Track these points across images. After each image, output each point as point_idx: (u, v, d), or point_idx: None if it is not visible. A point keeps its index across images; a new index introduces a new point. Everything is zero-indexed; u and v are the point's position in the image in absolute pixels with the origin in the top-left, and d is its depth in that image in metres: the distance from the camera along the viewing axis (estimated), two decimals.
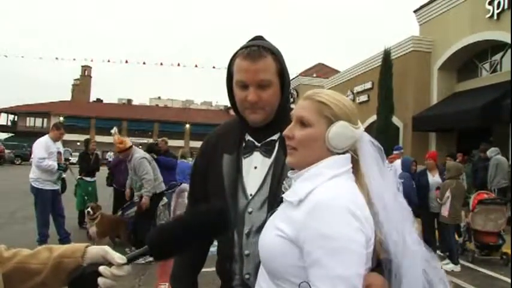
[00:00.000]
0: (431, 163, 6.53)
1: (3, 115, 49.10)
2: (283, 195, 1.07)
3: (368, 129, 1.11)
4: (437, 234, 6.11)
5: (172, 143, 12.16)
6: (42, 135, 5.88)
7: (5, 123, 49.15)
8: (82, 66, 70.29)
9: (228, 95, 1.34)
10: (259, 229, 1.15)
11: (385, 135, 12.34)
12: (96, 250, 0.94)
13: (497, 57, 12.29)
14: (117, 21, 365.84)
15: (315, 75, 25.94)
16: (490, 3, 11.23)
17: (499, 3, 10.92)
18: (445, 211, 5.64)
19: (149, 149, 6.70)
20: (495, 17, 11.08)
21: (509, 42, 10.32)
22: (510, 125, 9.58)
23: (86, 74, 71.29)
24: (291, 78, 1.43)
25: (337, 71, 24.61)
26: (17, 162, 29.97)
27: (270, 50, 1.25)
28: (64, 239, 5.55)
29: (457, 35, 12.53)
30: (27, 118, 48.98)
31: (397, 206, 1.05)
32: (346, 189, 0.98)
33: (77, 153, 13.38)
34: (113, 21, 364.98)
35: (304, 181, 1.02)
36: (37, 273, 0.91)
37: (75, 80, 72.53)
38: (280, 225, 1.00)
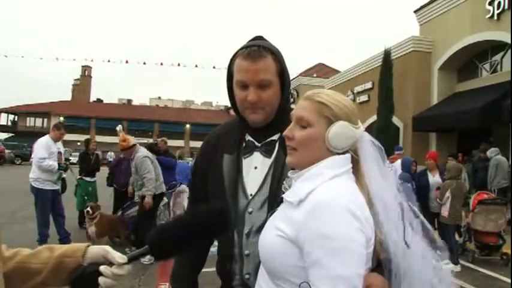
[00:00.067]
0: (432, 163, 6.53)
1: (4, 115, 49.12)
2: (283, 195, 1.07)
3: (368, 130, 1.11)
4: (438, 235, 6.11)
5: (172, 143, 12.17)
6: (43, 135, 5.88)
7: (5, 123, 49.16)
8: (82, 66, 70.35)
9: (228, 95, 1.34)
10: (259, 229, 1.15)
11: (385, 135, 12.34)
12: (96, 250, 0.94)
13: (498, 57, 12.29)
14: (117, 21, 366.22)
15: (315, 75, 25.94)
16: (490, 4, 11.23)
17: (499, 3, 10.92)
18: (445, 211, 5.64)
19: (149, 149, 6.69)
20: (495, 17, 11.08)
21: (510, 42, 10.31)
22: (510, 125, 9.58)
23: (86, 74, 71.31)
24: (291, 78, 1.42)
25: (337, 71, 24.61)
26: (17, 162, 29.96)
27: (270, 50, 1.25)
28: (64, 239, 5.55)
29: (457, 35, 12.53)
30: (28, 118, 48.99)
31: (397, 206, 1.05)
32: (346, 190, 0.98)
33: (77, 153, 13.41)
34: (113, 21, 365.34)
35: (304, 181, 1.02)
36: (38, 272, 0.91)
37: (75, 80, 72.55)
38: (280, 226, 1.00)
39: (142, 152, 5.58)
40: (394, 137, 13.63)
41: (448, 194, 5.62)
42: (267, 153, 1.29)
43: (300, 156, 1.05)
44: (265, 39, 1.32)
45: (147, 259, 4.80)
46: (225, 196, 1.28)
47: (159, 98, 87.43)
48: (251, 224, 1.24)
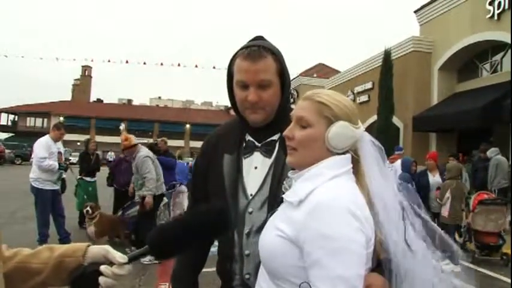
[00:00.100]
0: (432, 164, 6.54)
1: (4, 115, 49.14)
2: (283, 196, 1.07)
3: (368, 130, 1.11)
4: None
5: (172, 143, 12.18)
6: (43, 135, 5.88)
7: (5, 123, 49.19)
8: (82, 66, 70.36)
9: (229, 95, 1.34)
10: (260, 229, 1.15)
11: (385, 135, 12.35)
12: (97, 249, 0.94)
13: (498, 57, 12.30)
14: (117, 21, 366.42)
15: (315, 75, 25.94)
16: (490, 4, 11.24)
17: (499, 3, 10.93)
18: (445, 211, 5.65)
19: (149, 149, 6.70)
20: (495, 17, 11.09)
21: (510, 42, 10.32)
22: (510, 125, 9.58)
23: (86, 74, 71.32)
24: (291, 78, 1.42)
25: (337, 71, 24.62)
26: (17, 162, 29.97)
27: (270, 50, 1.25)
28: (64, 239, 5.55)
29: (457, 36, 12.53)
30: (28, 118, 49.00)
31: (398, 206, 1.05)
32: (346, 190, 0.98)
33: (77, 153, 13.42)
34: (113, 21, 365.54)
35: (304, 181, 1.02)
36: (38, 272, 0.91)
37: (75, 80, 72.56)
38: (281, 226, 1.00)
39: (144, 151, 5.58)
40: (394, 137, 13.63)
41: (448, 194, 5.63)
42: (267, 153, 1.29)
43: (300, 156, 1.05)
44: (265, 39, 1.32)
45: (147, 259, 4.80)
46: (225, 196, 1.28)
47: (159, 98, 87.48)
48: (251, 224, 1.24)
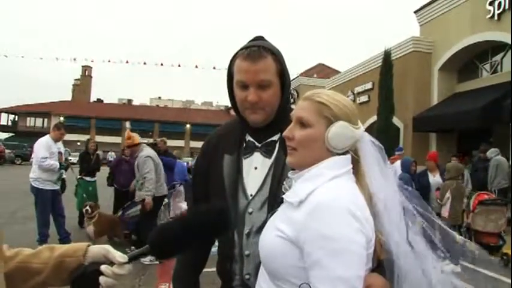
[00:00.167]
0: (432, 164, 6.52)
1: (4, 115, 49.15)
2: (283, 196, 1.07)
3: (368, 130, 1.11)
4: None
5: (172, 143, 12.18)
6: (43, 135, 5.89)
7: (5, 123, 49.20)
8: (82, 66, 70.45)
9: (229, 95, 1.34)
10: (260, 229, 1.15)
11: (385, 135, 12.34)
12: (97, 249, 0.94)
13: (498, 57, 12.29)
14: (117, 21, 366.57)
15: (315, 75, 25.95)
16: (490, 4, 11.24)
17: (499, 3, 10.92)
18: (445, 212, 5.64)
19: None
20: (496, 18, 11.08)
21: (510, 42, 10.31)
22: (510, 125, 9.57)
23: (86, 74, 71.37)
24: (291, 78, 1.41)
25: (337, 72, 24.63)
26: (17, 162, 29.98)
27: (270, 51, 1.25)
28: (64, 238, 5.55)
29: (457, 36, 12.53)
30: (28, 118, 49.01)
31: (398, 206, 1.05)
32: (346, 190, 0.98)
33: (77, 153, 13.40)
34: (113, 21, 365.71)
35: (304, 182, 1.02)
36: (39, 272, 0.91)
37: (75, 80, 72.61)
38: (281, 226, 1.00)
39: (146, 151, 5.55)
40: (395, 137, 13.63)
41: (448, 194, 5.62)
42: (267, 153, 1.29)
43: (300, 157, 1.05)
44: (265, 40, 1.32)
45: (147, 259, 4.80)
46: (225, 196, 1.28)
47: (159, 98, 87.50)
48: (251, 225, 1.24)
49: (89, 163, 7.54)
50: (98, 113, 48.66)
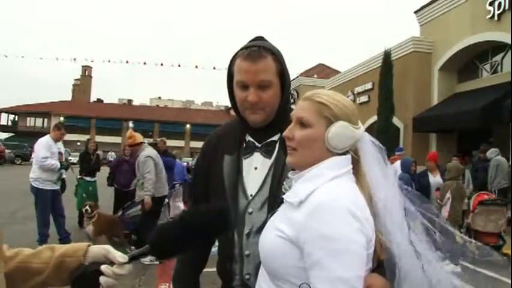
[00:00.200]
0: (432, 165, 6.52)
1: (4, 115, 49.16)
2: (283, 196, 1.07)
3: (368, 130, 1.11)
4: None
5: (172, 143, 12.19)
6: (43, 135, 5.89)
7: (5, 123, 49.21)
8: (82, 66, 70.47)
9: (229, 95, 1.34)
10: (260, 229, 1.15)
11: (385, 135, 12.34)
12: (97, 249, 0.94)
13: (498, 58, 12.29)
14: (117, 21, 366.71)
15: (315, 75, 25.94)
16: (490, 4, 11.23)
17: (499, 4, 10.92)
18: (445, 212, 5.64)
19: None
20: (496, 18, 11.08)
21: (510, 43, 10.31)
22: (510, 125, 9.57)
23: (86, 74, 71.39)
24: (291, 78, 1.42)
25: (337, 72, 24.62)
26: (17, 162, 29.99)
27: (271, 51, 1.25)
28: (64, 238, 5.55)
29: (457, 36, 12.53)
30: (28, 118, 49.03)
31: (399, 206, 1.05)
32: (347, 190, 0.98)
33: (77, 154, 13.42)
34: (113, 21, 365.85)
35: (304, 182, 1.02)
36: (39, 272, 0.91)
37: (75, 80, 72.63)
38: (281, 226, 1.00)
39: (147, 151, 5.54)
40: (395, 137, 13.63)
41: (448, 195, 5.62)
42: (267, 153, 1.29)
43: (300, 157, 1.05)
44: (265, 40, 1.33)
45: (147, 259, 4.80)
46: (225, 196, 1.28)
47: (159, 98, 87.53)
48: (251, 225, 1.24)
49: (89, 163, 7.54)
50: (98, 113, 48.67)
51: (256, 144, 1.31)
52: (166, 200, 6.23)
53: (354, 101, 16.49)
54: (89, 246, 0.95)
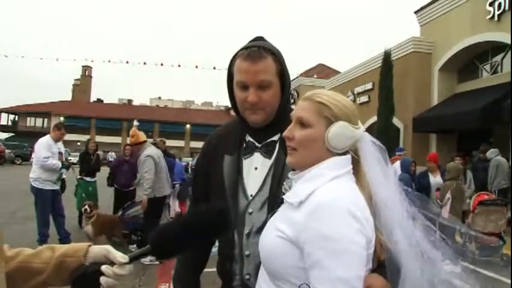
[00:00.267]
0: (433, 165, 6.52)
1: (4, 115, 49.17)
2: (283, 196, 1.07)
3: (368, 130, 1.11)
4: None
5: (172, 143, 12.20)
6: (43, 135, 5.90)
7: (5, 123, 49.21)
8: (82, 67, 70.48)
9: (229, 95, 1.34)
10: (260, 230, 1.15)
11: (385, 136, 12.33)
12: (98, 249, 0.94)
13: (498, 58, 12.29)
14: (117, 21, 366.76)
15: (315, 76, 25.95)
16: (490, 5, 11.23)
17: (499, 4, 10.92)
18: (445, 212, 5.64)
19: None
20: (496, 18, 11.08)
21: (510, 43, 10.31)
22: (510, 126, 9.57)
23: (86, 74, 71.40)
24: (291, 78, 1.42)
25: (337, 72, 24.63)
26: (18, 162, 29.99)
27: (271, 51, 1.25)
28: (64, 238, 5.55)
29: (457, 36, 12.53)
30: (28, 118, 49.04)
31: (399, 206, 1.05)
32: (347, 191, 0.98)
33: (77, 154, 13.41)
34: (113, 21, 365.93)
35: (305, 182, 1.02)
36: (39, 272, 0.92)
37: (75, 80, 72.65)
38: (281, 226, 1.00)
39: (149, 151, 5.51)
40: (395, 138, 13.62)
41: (448, 195, 5.62)
42: (267, 153, 1.29)
43: (300, 157, 1.05)
44: (265, 40, 1.33)
45: (147, 259, 4.80)
46: (225, 197, 1.29)
47: (159, 98, 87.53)
48: (251, 225, 1.25)
49: (89, 163, 7.54)
50: (98, 113, 48.67)
51: (256, 144, 1.31)
52: (166, 200, 6.22)
53: (354, 101, 16.49)
54: (89, 246, 0.95)
